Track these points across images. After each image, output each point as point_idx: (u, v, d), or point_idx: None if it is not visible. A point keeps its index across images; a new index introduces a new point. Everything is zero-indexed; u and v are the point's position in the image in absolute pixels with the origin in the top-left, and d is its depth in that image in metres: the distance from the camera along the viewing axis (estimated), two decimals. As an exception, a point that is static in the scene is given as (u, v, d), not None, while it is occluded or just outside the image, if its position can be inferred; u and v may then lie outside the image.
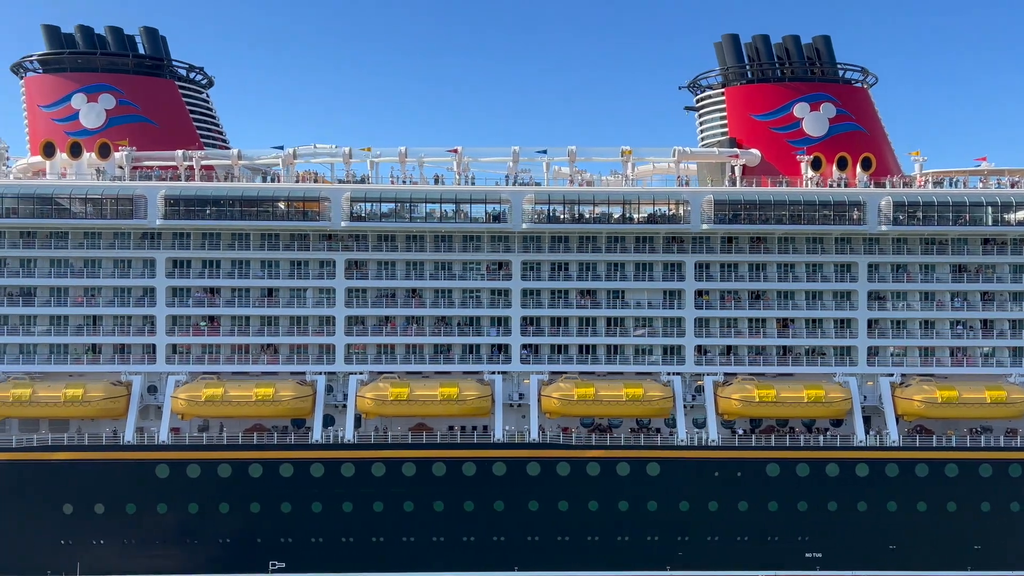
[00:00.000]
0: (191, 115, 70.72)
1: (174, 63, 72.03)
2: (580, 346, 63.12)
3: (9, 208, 60.04)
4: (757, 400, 59.70)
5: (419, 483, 58.77)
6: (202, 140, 70.03)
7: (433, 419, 60.97)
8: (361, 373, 61.63)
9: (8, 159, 66.11)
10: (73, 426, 60.62)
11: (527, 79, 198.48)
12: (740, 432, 61.63)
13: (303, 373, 61.82)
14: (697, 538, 59.44)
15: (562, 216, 62.63)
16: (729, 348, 63.53)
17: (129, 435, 59.02)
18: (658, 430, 62.07)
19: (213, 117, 73.71)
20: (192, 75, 72.69)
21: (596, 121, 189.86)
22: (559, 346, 63.06)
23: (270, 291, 62.76)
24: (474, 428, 61.83)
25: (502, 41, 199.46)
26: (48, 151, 63.22)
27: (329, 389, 61.75)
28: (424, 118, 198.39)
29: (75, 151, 62.89)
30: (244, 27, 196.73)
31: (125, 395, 59.68)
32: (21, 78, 71.08)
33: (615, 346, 63.05)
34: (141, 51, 71.56)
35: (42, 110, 68.53)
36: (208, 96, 74.17)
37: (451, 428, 61.44)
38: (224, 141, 74.19)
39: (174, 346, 61.87)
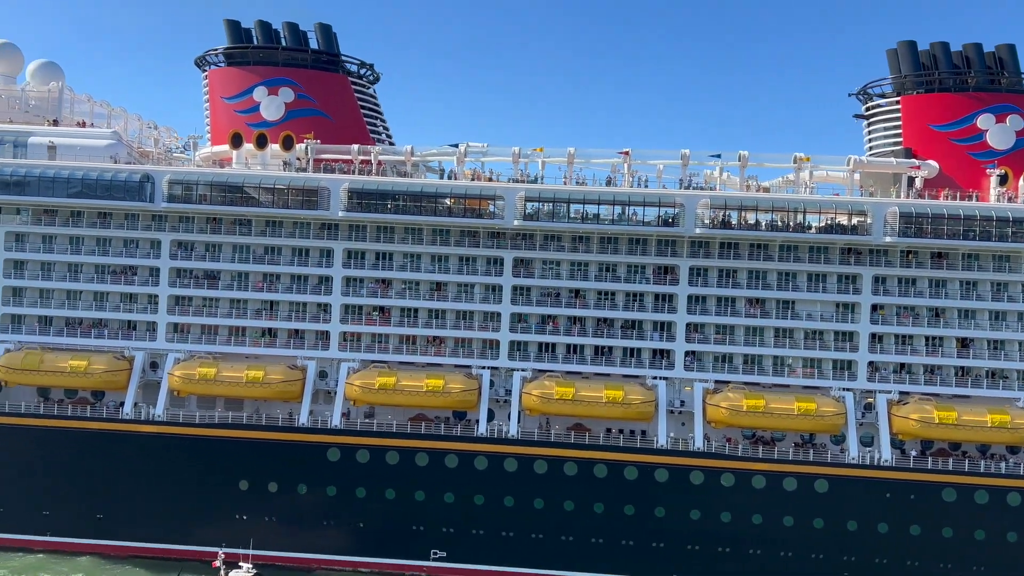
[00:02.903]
0: (361, 110, 73.02)
1: (344, 58, 74.45)
2: (745, 356, 62.24)
3: (201, 195, 63.18)
4: (937, 421, 57.40)
5: (580, 483, 59.01)
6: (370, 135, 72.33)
7: (592, 420, 61.09)
8: (524, 370, 62.28)
9: (197, 149, 69.76)
10: (247, 406, 63.38)
11: (687, 82, 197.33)
12: (913, 454, 59.45)
13: (468, 366, 62.94)
14: (864, 559, 57.69)
15: (733, 222, 61.76)
16: (902, 366, 61.46)
17: (304, 418, 61.28)
18: (823, 446, 60.71)
19: (379, 113, 75.76)
20: (362, 71, 74.91)
21: (757, 126, 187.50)
22: (723, 354, 62.28)
23: (439, 285, 64.17)
24: (632, 432, 61.81)
25: (668, 44, 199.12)
26: (236, 142, 66.19)
27: (490, 384, 62.74)
28: (589, 120, 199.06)
29: (261, 142, 65.62)
30: (393, 24, 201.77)
31: (301, 379, 61.95)
32: (204, 71, 74.64)
33: (782, 358, 61.87)
34: (314, 46, 74.26)
35: (224, 102, 71.79)
36: (375, 92, 76.34)
37: (608, 431, 61.51)
38: (389, 136, 76.25)
39: (345, 334, 63.96)
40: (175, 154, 75.60)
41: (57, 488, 60.94)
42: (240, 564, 53.75)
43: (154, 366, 64.27)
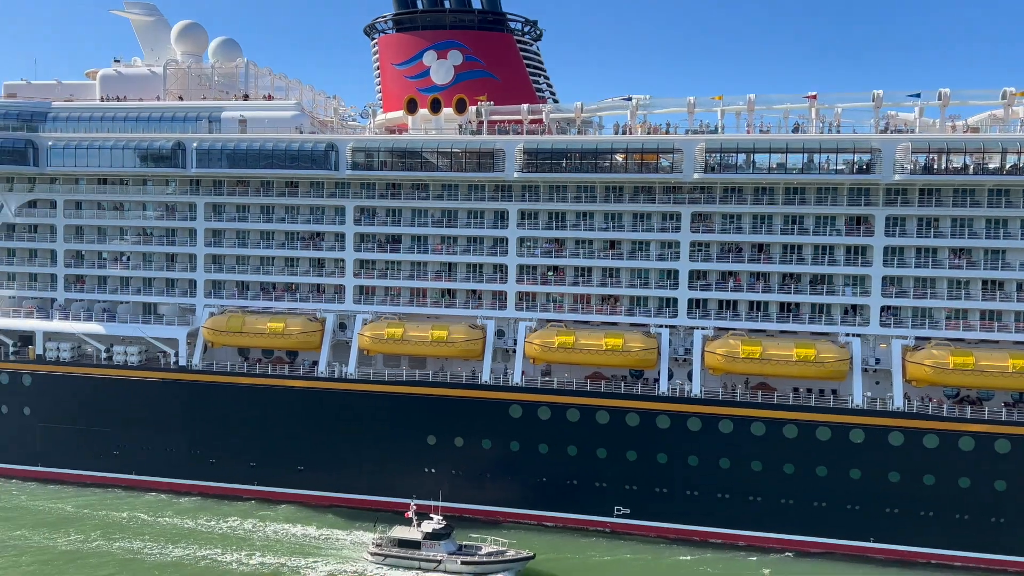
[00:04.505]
0: (526, 68, 72.63)
1: (508, 17, 73.91)
2: (948, 310, 58.01)
3: (382, 161, 64.99)
4: None
5: (768, 443, 57.27)
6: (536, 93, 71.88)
7: (779, 379, 59.07)
8: (705, 328, 60.82)
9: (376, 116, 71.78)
10: (430, 364, 65.45)
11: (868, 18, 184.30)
12: None
13: (644, 325, 62.16)
14: (1089, 529, 53.31)
15: (934, 166, 57.25)
16: None
17: (486, 375, 62.62)
18: (1041, 406, 56.13)
19: (543, 70, 75.15)
20: (525, 28, 74.29)
21: (951, 60, 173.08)
22: (924, 309, 58.31)
23: (612, 243, 63.42)
24: (821, 392, 59.28)
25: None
26: (411, 107, 67.47)
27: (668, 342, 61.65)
28: (765, 67, 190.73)
29: (435, 107, 66.54)
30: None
31: (482, 338, 63.17)
32: (373, 39, 76.36)
33: (991, 311, 57.24)
34: (477, 6, 74.11)
35: (395, 68, 73.25)
36: (538, 49, 75.64)
37: (795, 390, 59.27)
38: (553, 94, 75.62)
39: (521, 294, 64.55)
40: (349, 122, 78.11)
41: (261, 442, 65.47)
42: (431, 515, 56.05)
43: (342, 327, 67.40)
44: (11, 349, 71.65)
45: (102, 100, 74.07)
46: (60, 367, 69.19)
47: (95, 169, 69.84)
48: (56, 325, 70.43)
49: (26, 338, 71.86)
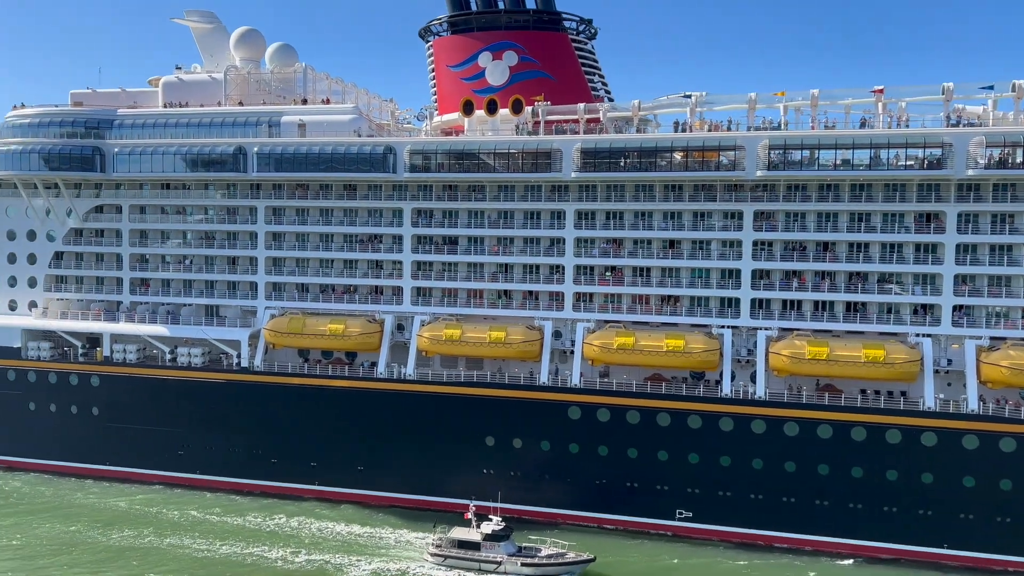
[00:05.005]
0: (581, 67, 72.13)
1: (563, 16, 73.50)
2: None
3: (439, 163, 65.12)
4: None
5: (836, 446, 55.85)
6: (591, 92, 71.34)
7: (845, 381, 57.60)
8: (769, 329, 59.62)
9: (431, 119, 72.07)
10: (487, 365, 65.27)
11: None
12: None
13: (705, 325, 61.15)
14: None
15: (1009, 160, 55.23)
16: None
17: (544, 377, 62.31)
18: (1123, 409, 53.72)
19: (598, 68, 74.60)
20: (580, 27, 73.81)
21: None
22: (999, 308, 56.29)
23: (672, 242, 62.60)
24: (890, 393, 57.66)
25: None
26: (467, 109, 67.52)
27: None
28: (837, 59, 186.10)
29: (492, 108, 66.48)
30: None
31: (539, 339, 62.82)
32: (427, 42, 76.66)
33: (1072, 310, 55.13)
34: (531, 6, 73.85)
35: (450, 70, 73.39)
36: (593, 48, 75.11)
37: (863, 392, 57.77)
38: (608, 92, 74.99)
39: (579, 294, 64.07)
40: (405, 125, 78.54)
41: (321, 442, 66.05)
42: (490, 517, 55.88)
43: (400, 328, 67.70)
44: (80, 351, 73.68)
45: (165, 107, 75.70)
46: (127, 368, 70.88)
47: (159, 174, 71.38)
48: (122, 327, 72.20)
49: (94, 340, 73.82)
